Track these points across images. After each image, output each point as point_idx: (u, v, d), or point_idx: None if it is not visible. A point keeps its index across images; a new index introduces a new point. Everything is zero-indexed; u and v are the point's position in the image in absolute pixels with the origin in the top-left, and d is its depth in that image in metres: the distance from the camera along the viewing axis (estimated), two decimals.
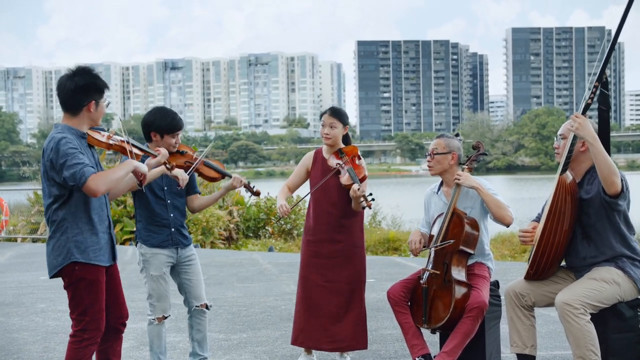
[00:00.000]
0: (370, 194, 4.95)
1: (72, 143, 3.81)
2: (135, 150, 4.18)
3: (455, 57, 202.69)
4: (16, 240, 17.53)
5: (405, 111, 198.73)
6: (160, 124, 4.80)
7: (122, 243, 15.24)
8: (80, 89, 3.90)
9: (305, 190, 5.40)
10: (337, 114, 5.27)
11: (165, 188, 4.86)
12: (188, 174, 4.77)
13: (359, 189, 4.94)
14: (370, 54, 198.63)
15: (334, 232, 5.21)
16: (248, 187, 4.99)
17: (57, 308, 7.94)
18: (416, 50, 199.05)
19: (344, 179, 5.07)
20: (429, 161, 5.02)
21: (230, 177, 4.93)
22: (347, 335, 5.19)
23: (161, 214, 4.84)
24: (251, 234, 17.59)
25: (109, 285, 4.12)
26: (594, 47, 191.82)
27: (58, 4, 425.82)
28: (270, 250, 14.68)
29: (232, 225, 16.95)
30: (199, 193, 5.07)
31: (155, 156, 4.34)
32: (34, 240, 17.21)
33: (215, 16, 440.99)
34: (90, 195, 3.80)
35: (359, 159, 5.21)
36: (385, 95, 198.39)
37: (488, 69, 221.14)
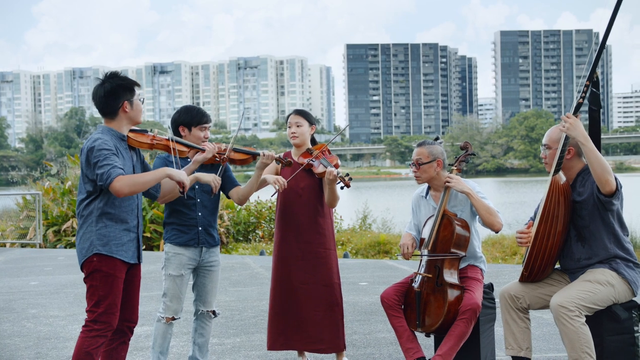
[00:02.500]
0: (347, 174, 4.94)
1: (108, 144, 4.03)
2: (180, 148, 4.35)
3: (444, 60, 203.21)
4: (5, 246, 17.45)
5: (395, 114, 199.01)
6: (186, 117, 4.84)
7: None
8: (110, 92, 4.13)
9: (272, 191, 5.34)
10: (302, 113, 5.31)
11: (197, 187, 4.83)
12: (221, 167, 4.76)
13: (334, 170, 4.94)
14: (360, 58, 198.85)
15: (305, 234, 5.20)
16: (279, 160, 4.92)
17: (48, 313, 7.90)
18: (405, 53, 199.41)
19: (318, 170, 5.07)
20: (414, 171, 5.00)
21: (259, 154, 4.89)
22: (326, 337, 5.18)
23: (189, 213, 4.81)
24: (241, 238, 17.58)
25: (127, 286, 4.23)
26: (582, 50, 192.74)
27: (47, 8, 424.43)
28: (262, 254, 14.67)
29: (222, 229, 16.93)
30: (239, 185, 5.04)
31: (202, 151, 4.54)
32: (23, 246, 17.12)
33: (204, 20, 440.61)
34: (115, 195, 3.99)
35: (329, 153, 5.22)
36: (375, 98, 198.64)
37: (477, 72, 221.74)
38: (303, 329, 5.19)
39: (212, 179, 4.65)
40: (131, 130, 4.25)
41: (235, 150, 4.86)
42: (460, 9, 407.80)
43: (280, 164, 5.04)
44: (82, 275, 4.19)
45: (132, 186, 3.97)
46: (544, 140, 4.57)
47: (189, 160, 4.76)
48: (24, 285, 10.05)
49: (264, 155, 4.84)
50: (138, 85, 4.26)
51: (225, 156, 4.74)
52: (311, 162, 5.12)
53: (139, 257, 4.28)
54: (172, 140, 4.36)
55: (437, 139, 5.16)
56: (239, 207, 17.88)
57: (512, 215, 27.03)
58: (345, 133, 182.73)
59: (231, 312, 7.72)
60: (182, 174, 4.17)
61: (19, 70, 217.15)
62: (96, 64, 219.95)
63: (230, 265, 11.83)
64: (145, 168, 4.34)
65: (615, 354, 4.29)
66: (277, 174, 5.34)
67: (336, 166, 5.09)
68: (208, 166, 4.89)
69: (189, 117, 4.84)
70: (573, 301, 4.22)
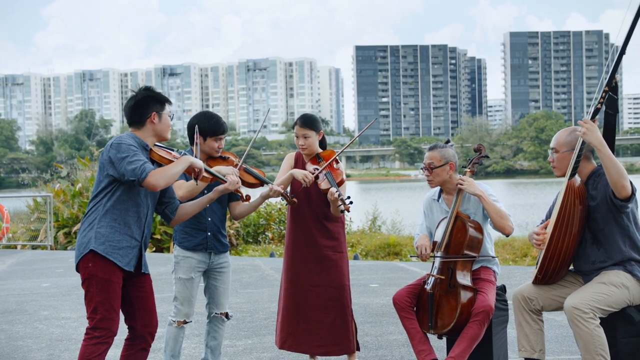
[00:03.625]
0: (349, 197, 4.91)
1: (133, 144, 4.04)
2: (204, 174, 4.31)
3: (453, 61, 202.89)
4: (16, 248, 17.51)
5: (404, 116, 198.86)
6: (203, 126, 4.77)
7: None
8: (140, 102, 4.20)
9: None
10: (308, 123, 5.24)
11: (206, 192, 4.80)
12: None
13: (336, 192, 4.91)
14: (369, 59, 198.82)
15: (316, 237, 5.19)
16: (285, 197, 4.86)
17: (60, 315, 7.92)
18: (414, 55, 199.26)
19: (323, 184, 5.05)
20: (427, 175, 4.99)
21: (268, 184, 4.84)
22: (337, 339, 5.17)
23: (198, 217, 4.80)
24: (251, 240, 17.60)
25: (137, 293, 4.22)
26: (592, 51, 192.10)
27: (55, 11, 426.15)
28: (272, 255, 14.67)
29: (232, 231, 16.95)
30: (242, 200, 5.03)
31: (224, 181, 4.47)
32: (34, 247, 17.18)
33: (212, 22, 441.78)
34: (150, 190, 4.01)
35: (337, 162, 5.20)
36: (384, 100, 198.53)
37: (486, 73, 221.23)
38: (314, 331, 5.18)
39: (231, 172, 4.58)
40: (156, 145, 4.25)
41: (247, 171, 4.82)
42: (469, 9, 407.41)
43: (285, 202, 5.00)
44: None
45: (167, 177, 3.99)
46: (552, 144, 4.56)
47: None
48: (36, 287, 10.09)
49: (271, 190, 4.78)
50: (170, 102, 4.29)
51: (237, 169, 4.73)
52: (317, 174, 5.10)
53: (139, 267, 4.21)
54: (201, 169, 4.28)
55: (448, 142, 5.15)
56: None
57: (522, 218, 26.94)
58: (354, 134, 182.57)
59: (242, 314, 7.73)
60: (201, 163, 4.20)
61: (29, 72, 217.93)
62: (105, 66, 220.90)
63: (241, 267, 11.84)
64: None
65: (629, 356, 4.26)
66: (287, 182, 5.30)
67: (341, 182, 5.05)
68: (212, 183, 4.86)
69: (207, 126, 4.77)
70: (587, 303, 4.20)
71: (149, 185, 3.94)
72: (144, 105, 4.18)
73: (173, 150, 4.35)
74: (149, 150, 4.19)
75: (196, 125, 4.71)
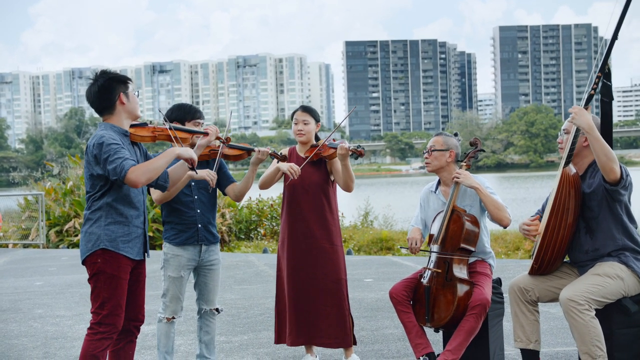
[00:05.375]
0: (359, 145, 4.97)
1: (114, 138, 3.98)
2: (182, 135, 4.32)
3: (443, 56, 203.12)
4: (7, 246, 17.45)
5: (394, 111, 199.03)
6: (179, 114, 4.85)
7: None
8: (104, 87, 4.10)
9: (280, 191, 5.38)
10: (309, 110, 5.31)
11: (193, 183, 4.85)
12: (217, 161, 4.76)
13: (346, 144, 4.96)
14: (359, 55, 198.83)
15: (313, 229, 5.20)
16: (275, 155, 4.98)
17: (55, 313, 7.90)
18: (404, 49, 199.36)
19: (328, 152, 5.08)
20: (426, 157, 5.04)
21: (254, 150, 4.89)
22: (335, 331, 5.18)
23: (188, 211, 4.82)
24: (243, 236, 17.59)
25: (132, 284, 4.20)
26: (581, 45, 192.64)
27: (43, 9, 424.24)
28: (265, 252, 14.67)
29: (224, 228, 16.93)
30: (235, 181, 5.06)
31: (205, 134, 4.49)
32: (25, 246, 17.13)
33: (201, 19, 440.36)
34: (132, 187, 3.97)
35: (334, 140, 5.25)
36: (374, 95, 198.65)
37: (476, 68, 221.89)
38: (313, 323, 5.18)
39: (207, 173, 4.66)
40: (131, 126, 4.21)
41: (230, 147, 4.86)
42: (457, 4, 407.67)
43: (276, 159, 5.06)
44: (87, 275, 4.15)
45: (147, 173, 3.94)
46: (564, 125, 4.58)
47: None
48: (29, 285, 10.06)
49: (259, 151, 4.86)
50: (130, 80, 4.24)
51: (221, 142, 4.74)
52: (319, 150, 5.12)
53: (145, 252, 4.26)
54: (171, 129, 4.31)
55: (456, 134, 5.19)
56: (240, 205, 17.88)
57: (513, 212, 26.90)
58: (345, 130, 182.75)
59: (237, 310, 7.73)
60: (190, 151, 4.16)
61: (18, 71, 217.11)
62: (94, 64, 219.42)
63: (235, 263, 11.84)
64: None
65: (625, 347, 4.28)
66: (281, 173, 5.31)
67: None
68: (203, 163, 4.90)
69: (182, 114, 4.85)
70: (583, 295, 4.22)
71: (129, 182, 3.90)
72: (109, 89, 4.10)
73: (147, 124, 4.30)
74: (129, 135, 4.15)
75: (164, 116, 4.78)
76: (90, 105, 4.18)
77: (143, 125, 4.27)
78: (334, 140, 5.20)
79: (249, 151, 4.90)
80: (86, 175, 4.11)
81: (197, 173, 4.38)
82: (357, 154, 4.96)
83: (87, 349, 4.01)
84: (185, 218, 4.83)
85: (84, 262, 4.13)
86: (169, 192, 4.70)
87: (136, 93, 4.23)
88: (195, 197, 4.84)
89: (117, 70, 4.30)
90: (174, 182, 4.37)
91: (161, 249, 5.13)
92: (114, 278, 4.03)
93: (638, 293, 4.37)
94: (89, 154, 4.04)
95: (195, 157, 4.17)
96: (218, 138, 4.61)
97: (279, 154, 5.05)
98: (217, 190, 5.05)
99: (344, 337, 5.20)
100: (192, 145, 4.59)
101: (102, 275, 4.03)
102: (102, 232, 4.03)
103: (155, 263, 11.37)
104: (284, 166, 5.07)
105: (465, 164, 5.04)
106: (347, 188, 5.19)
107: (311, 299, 5.18)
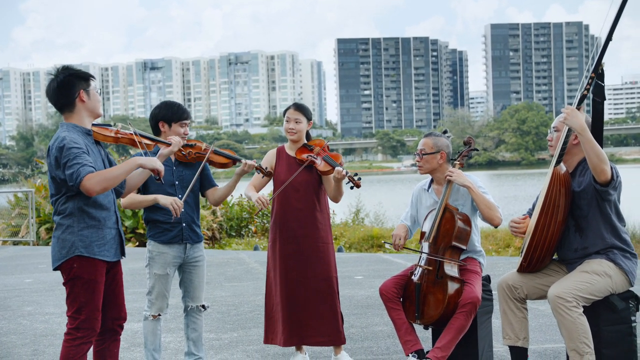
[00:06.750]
0: (356, 174, 4.92)
1: (77, 142, 3.84)
2: (145, 141, 4.21)
3: (434, 53, 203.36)
4: None
5: (386, 108, 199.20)
6: (167, 113, 4.83)
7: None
8: (64, 83, 3.96)
9: (271, 189, 5.39)
10: (302, 108, 5.27)
11: (177, 183, 4.84)
12: (202, 164, 4.76)
13: (343, 170, 4.93)
14: (350, 52, 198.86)
15: (304, 228, 5.19)
16: (260, 169, 4.97)
17: (44, 311, 7.88)
18: (396, 47, 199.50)
19: (321, 166, 5.05)
20: (417, 161, 5.04)
21: (240, 161, 4.88)
22: (327, 329, 5.17)
23: (171, 211, 4.80)
24: (234, 233, 17.58)
25: (110, 284, 4.11)
26: (572, 42, 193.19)
27: (34, 5, 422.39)
28: (256, 249, 14.67)
29: (215, 225, 16.92)
30: (217, 186, 5.05)
31: (168, 145, 4.40)
32: (15, 243, 17.07)
33: (193, 16, 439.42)
34: (87, 195, 3.81)
35: (329, 149, 5.23)
36: (366, 92, 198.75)
37: (468, 65, 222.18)
38: (305, 322, 5.17)
39: (172, 202, 4.52)
40: (94, 125, 4.09)
41: (216, 153, 4.84)
42: (449, 2, 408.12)
43: (261, 174, 5.05)
44: None
45: (103, 182, 3.78)
46: (553, 123, 4.58)
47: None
48: (19, 282, 10.03)
49: (245, 164, 4.84)
50: (93, 77, 4.09)
51: (206, 155, 4.75)
52: (313, 159, 5.11)
53: (122, 252, 4.15)
54: (136, 134, 4.19)
55: (445, 132, 5.18)
56: (231, 202, 17.87)
57: (505, 210, 26.96)
58: (337, 127, 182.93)
59: (227, 307, 7.73)
60: (155, 161, 4.02)
61: (9, 67, 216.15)
62: (85, 60, 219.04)
63: (225, 260, 11.83)
64: (110, 164, 4.15)
65: (612, 344, 4.30)
66: (261, 183, 5.31)
67: (341, 164, 5.08)
68: (189, 164, 4.88)
69: (169, 113, 4.83)
70: (570, 292, 4.23)
71: (84, 190, 3.75)
72: (69, 85, 3.94)
73: (111, 126, 4.17)
74: (92, 134, 4.02)
75: (157, 119, 4.80)
76: (50, 102, 4.02)
77: (107, 126, 4.16)
78: (328, 149, 5.17)
79: (235, 161, 4.89)
80: (50, 177, 3.95)
81: (162, 182, 4.29)
82: (354, 184, 4.88)
83: (66, 355, 3.91)
84: (169, 217, 4.81)
85: (57, 268, 3.99)
86: (129, 199, 4.71)
87: (98, 90, 4.08)
88: (180, 197, 4.80)
89: (108, 67, 4.24)
90: (131, 188, 4.28)
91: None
92: (90, 282, 3.93)
93: (625, 290, 4.39)
94: (50, 157, 3.88)
95: (161, 168, 4.04)
96: (182, 149, 4.61)
97: (264, 168, 5.02)
98: (198, 191, 5.03)
99: (337, 335, 5.19)
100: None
101: (78, 281, 3.92)
102: (77, 239, 3.90)
103: (139, 261, 11.36)
104: (254, 197, 5.04)
105: (458, 162, 5.05)
106: (335, 200, 5.24)
107: (303, 299, 5.17)
